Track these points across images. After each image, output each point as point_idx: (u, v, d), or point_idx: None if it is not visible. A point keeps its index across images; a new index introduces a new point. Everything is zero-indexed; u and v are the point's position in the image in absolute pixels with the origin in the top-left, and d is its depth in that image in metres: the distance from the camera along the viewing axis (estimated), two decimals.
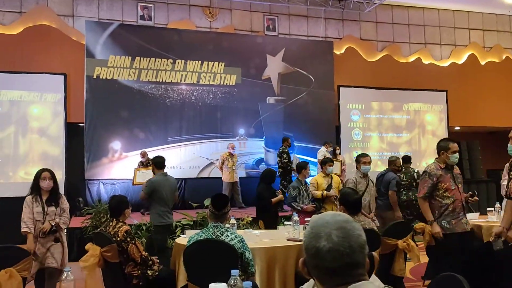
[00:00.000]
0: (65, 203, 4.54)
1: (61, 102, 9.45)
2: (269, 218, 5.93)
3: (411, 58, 12.45)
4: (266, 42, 11.15)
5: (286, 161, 8.89)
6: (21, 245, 3.83)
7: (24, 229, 4.26)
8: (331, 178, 6.23)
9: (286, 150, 9.02)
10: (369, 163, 5.62)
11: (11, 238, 5.20)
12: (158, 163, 5.69)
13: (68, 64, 9.58)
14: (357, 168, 5.71)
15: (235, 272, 2.15)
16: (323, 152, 9.14)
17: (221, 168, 9.35)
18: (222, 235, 3.34)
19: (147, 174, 8.11)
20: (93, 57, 9.62)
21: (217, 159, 9.61)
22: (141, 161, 9.03)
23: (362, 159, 5.61)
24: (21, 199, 4.46)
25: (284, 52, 11.05)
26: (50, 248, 4.36)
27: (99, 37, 9.71)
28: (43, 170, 4.47)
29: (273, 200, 6.08)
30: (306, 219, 4.43)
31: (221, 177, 9.37)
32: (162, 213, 5.45)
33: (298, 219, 4.32)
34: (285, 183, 8.66)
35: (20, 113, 9.25)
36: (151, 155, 9.80)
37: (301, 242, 3.94)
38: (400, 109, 12.03)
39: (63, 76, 9.48)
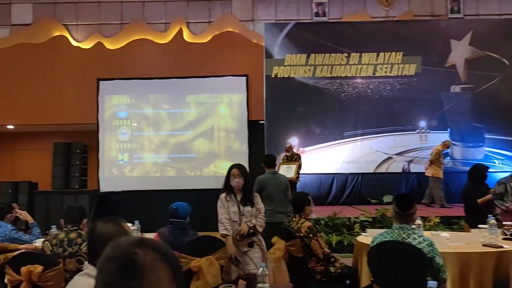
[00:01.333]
0: (259, 203, 4.14)
1: (244, 102, 10.17)
2: (477, 220, 5.35)
3: None
4: (450, 25, 10.25)
5: None
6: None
7: (222, 231, 3.92)
8: None
9: None
10: None
11: (206, 226, 5.78)
12: (267, 162, 5.76)
13: (249, 65, 10.26)
14: None
15: (432, 284, 2.01)
16: None
17: (431, 163, 8.77)
18: (409, 237, 3.17)
19: (290, 169, 8.20)
20: (271, 57, 10.12)
21: (393, 154, 9.18)
22: (285, 155, 9.05)
23: None
24: (212, 191, 4.84)
25: (472, 35, 10.02)
26: (248, 253, 3.99)
27: (276, 38, 10.16)
28: (233, 166, 4.17)
29: (478, 200, 5.43)
30: (506, 223, 3.94)
31: (399, 172, 8.96)
32: (268, 211, 5.04)
33: (495, 222, 3.86)
34: None
35: (209, 113, 10.25)
36: (328, 150, 10.00)
37: (500, 249, 3.53)
38: None
39: (245, 77, 10.20)
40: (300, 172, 8.70)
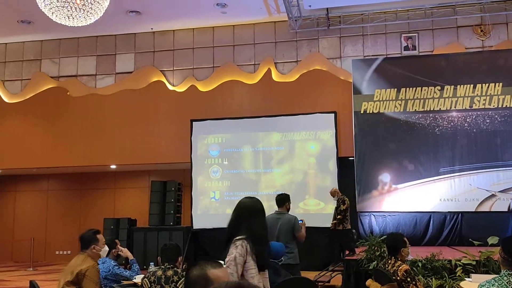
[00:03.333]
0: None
1: (333, 138, 10.10)
2: None
3: None
4: None
5: None
6: None
7: None
8: None
9: None
10: None
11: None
12: (276, 201, 5.54)
13: (337, 102, 10.24)
14: None
15: None
16: None
17: None
18: None
19: None
20: (359, 93, 10.01)
21: (496, 191, 8.52)
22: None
23: None
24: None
25: None
26: None
27: (364, 73, 10.07)
28: None
29: None
30: None
31: (504, 211, 8.26)
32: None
33: None
34: None
35: (298, 151, 10.29)
36: (423, 187, 9.50)
37: None
38: None
39: (334, 114, 10.17)
40: (388, 210, 8.36)
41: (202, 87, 11.11)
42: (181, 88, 11.23)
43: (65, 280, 3.75)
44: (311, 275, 6.43)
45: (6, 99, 11.88)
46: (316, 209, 9.99)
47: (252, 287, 1.08)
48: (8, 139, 11.60)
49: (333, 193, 8.80)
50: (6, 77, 12.05)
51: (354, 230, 9.12)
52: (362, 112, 9.96)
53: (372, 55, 10.34)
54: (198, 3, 10.05)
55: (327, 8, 10.37)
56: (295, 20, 10.40)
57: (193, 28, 11.31)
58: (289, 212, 5.58)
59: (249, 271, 2.82)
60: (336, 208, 8.64)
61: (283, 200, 5.52)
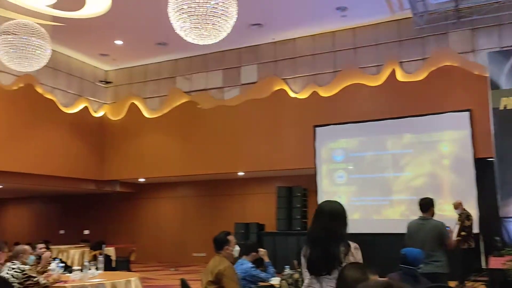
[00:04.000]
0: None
1: (468, 138, 9.39)
2: None
3: None
4: None
5: None
6: None
7: None
8: None
9: None
10: None
11: None
12: (419, 206, 5.08)
13: (472, 99, 9.52)
14: None
15: None
16: None
17: None
18: None
19: None
20: (497, 88, 9.18)
21: None
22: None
23: None
24: None
25: None
26: None
27: (503, 66, 9.21)
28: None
29: None
30: None
31: None
32: None
33: None
34: None
35: (430, 152, 9.75)
36: None
37: None
38: None
39: (468, 112, 9.46)
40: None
41: (324, 93, 11.12)
42: (303, 95, 11.37)
43: (207, 280, 4.04)
44: (451, 284, 6.04)
45: (147, 114, 13.15)
46: (451, 214, 9.35)
47: (400, 287, 1.10)
48: (150, 151, 12.81)
49: (456, 206, 8.24)
50: (147, 95, 13.35)
51: (498, 238, 8.36)
52: (501, 108, 9.11)
53: (510, 46, 9.41)
54: (318, 9, 10.12)
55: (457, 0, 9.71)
56: (421, 15, 9.90)
57: (313, 35, 11.40)
58: None
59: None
60: (460, 224, 8.01)
61: (427, 204, 5.20)
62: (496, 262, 7.06)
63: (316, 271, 2.90)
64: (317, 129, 10.86)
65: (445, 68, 9.99)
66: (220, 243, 4.21)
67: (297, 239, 10.63)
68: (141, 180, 13.88)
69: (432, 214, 5.21)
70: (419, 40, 10.35)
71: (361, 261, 2.83)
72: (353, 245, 2.89)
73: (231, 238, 4.25)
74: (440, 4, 9.82)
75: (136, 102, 13.37)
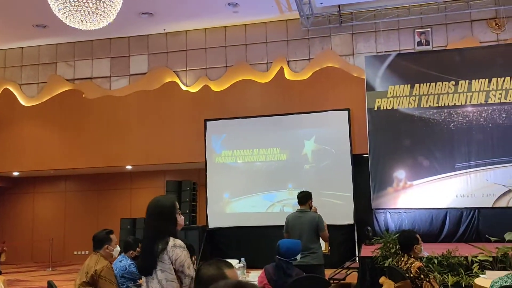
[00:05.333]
0: None
1: (347, 136, 10.06)
2: None
3: None
4: None
5: None
6: None
7: None
8: None
9: None
10: None
11: None
12: (298, 198, 5.44)
13: (351, 99, 10.20)
14: None
15: None
16: None
17: None
18: None
19: None
20: (373, 90, 9.95)
21: None
22: None
23: None
24: None
25: None
26: None
27: (378, 70, 10.00)
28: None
29: None
30: None
31: None
32: None
33: None
34: None
35: (312, 148, 10.28)
36: (438, 184, 9.41)
37: None
38: None
39: (347, 111, 10.13)
40: (404, 207, 8.06)
41: (215, 87, 11.16)
42: (194, 88, 11.31)
43: (80, 281, 3.83)
44: (326, 273, 6.42)
45: (23, 102, 12.10)
46: (332, 205, 9.96)
47: (250, 286, 1.10)
48: (26, 142, 11.81)
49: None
50: (23, 81, 12.27)
51: (369, 228, 9.10)
52: (376, 109, 9.90)
53: (385, 51, 10.27)
54: (209, 3, 10.10)
55: (339, 5, 10.34)
56: (307, 17, 10.38)
57: (205, 28, 11.38)
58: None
59: None
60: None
61: (305, 197, 5.39)
62: (366, 251, 7.67)
63: (141, 271, 2.85)
64: (208, 123, 10.86)
65: (327, 69, 10.60)
66: (100, 242, 4.01)
67: (185, 233, 10.55)
68: (15, 173, 12.76)
69: (310, 207, 5.47)
70: (305, 41, 10.85)
71: (184, 259, 2.73)
72: (172, 242, 2.76)
73: (113, 237, 4.07)
74: (325, 8, 10.39)
75: (11, 88, 12.23)
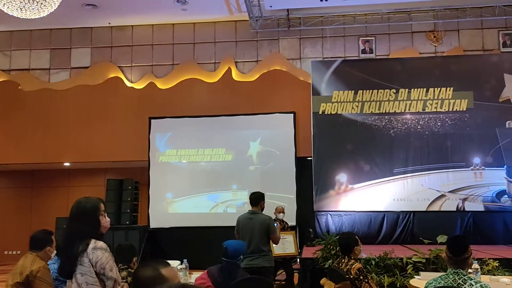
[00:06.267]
0: None
1: (291, 138, 10.19)
2: None
3: None
4: (503, 60, 9.98)
5: None
6: None
7: None
8: None
9: None
10: None
11: None
12: (250, 199, 5.40)
13: (297, 102, 10.35)
14: None
15: None
16: None
17: None
18: (465, 283, 3.01)
19: (287, 242, 7.45)
20: (318, 94, 10.16)
21: (446, 192, 8.89)
22: (277, 219, 7.66)
23: None
24: None
25: None
26: None
27: (323, 75, 10.23)
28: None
29: None
30: None
31: (453, 211, 8.63)
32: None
33: None
34: None
35: (257, 150, 10.33)
36: (378, 187, 9.76)
37: None
38: None
39: (293, 114, 10.27)
40: (344, 210, 8.31)
41: (161, 85, 10.96)
42: (139, 85, 11.04)
43: (13, 281, 3.63)
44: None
45: None
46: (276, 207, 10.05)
47: None
48: None
49: (280, 210, 7.87)
50: None
51: (311, 229, 9.26)
52: (320, 113, 10.11)
53: (331, 57, 10.52)
54: None
55: (288, 9, 10.47)
56: (256, 20, 10.43)
57: (153, 24, 11.14)
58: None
59: None
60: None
61: (257, 198, 5.29)
62: (308, 252, 7.79)
63: (61, 274, 2.77)
64: (153, 121, 10.63)
65: (275, 71, 10.70)
66: (40, 242, 3.81)
67: (125, 233, 10.26)
68: None
69: (262, 209, 5.42)
70: (254, 43, 10.90)
71: (106, 261, 2.66)
72: (93, 245, 2.70)
73: (53, 238, 3.90)
74: (274, 11, 10.49)
75: None
